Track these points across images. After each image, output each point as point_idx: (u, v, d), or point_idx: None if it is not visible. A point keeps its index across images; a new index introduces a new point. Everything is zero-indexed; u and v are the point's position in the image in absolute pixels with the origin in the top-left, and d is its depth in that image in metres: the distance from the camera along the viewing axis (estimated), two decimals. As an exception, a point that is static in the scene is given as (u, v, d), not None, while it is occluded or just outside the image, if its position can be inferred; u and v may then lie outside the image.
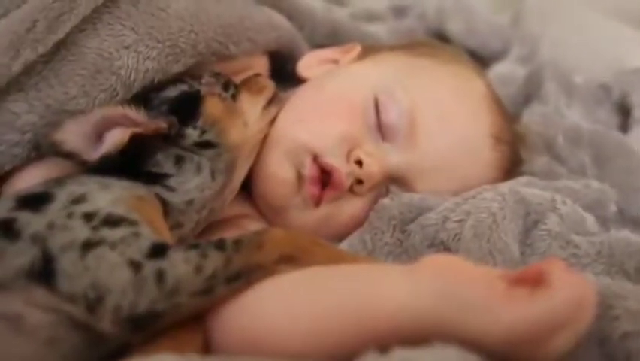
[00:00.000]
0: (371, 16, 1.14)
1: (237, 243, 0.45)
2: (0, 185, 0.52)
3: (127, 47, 0.54)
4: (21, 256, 0.43)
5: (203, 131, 0.56)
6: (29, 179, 0.51)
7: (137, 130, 0.51)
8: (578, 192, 0.61)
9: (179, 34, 0.58)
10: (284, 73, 0.75)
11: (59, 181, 0.49)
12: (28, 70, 0.50)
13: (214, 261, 0.43)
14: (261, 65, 0.71)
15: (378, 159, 0.61)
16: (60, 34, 0.51)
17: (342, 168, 0.60)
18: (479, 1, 1.29)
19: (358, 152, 0.60)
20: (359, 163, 0.60)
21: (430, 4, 1.14)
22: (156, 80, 0.57)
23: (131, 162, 0.52)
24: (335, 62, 0.72)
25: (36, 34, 0.50)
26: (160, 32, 0.56)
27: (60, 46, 0.52)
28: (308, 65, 0.71)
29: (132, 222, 0.45)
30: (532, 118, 0.80)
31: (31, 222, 0.45)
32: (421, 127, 0.62)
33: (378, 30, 1.02)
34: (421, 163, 0.62)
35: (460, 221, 0.53)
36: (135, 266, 0.42)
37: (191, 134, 0.55)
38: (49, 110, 0.51)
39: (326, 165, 0.60)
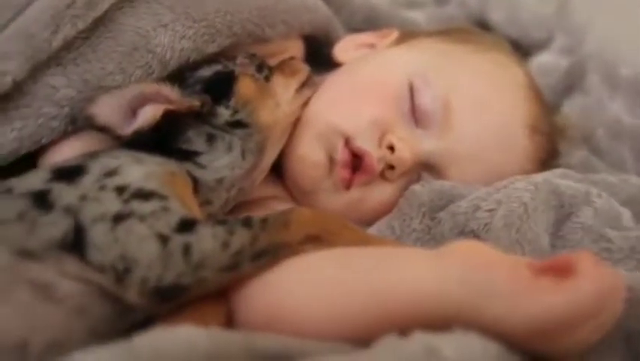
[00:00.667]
0: (411, 3, 1.13)
1: (264, 221, 0.45)
2: (38, 157, 0.54)
3: (164, 26, 0.55)
4: (54, 226, 0.44)
5: (235, 111, 0.56)
6: (66, 152, 0.53)
7: (170, 107, 0.52)
8: (615, 186, 0.60)
9: (215, 15, 0.58)
10: (319, 57, 0.76)
11: (94, 155, 0.50)
12: (68, 45, 0.51)
13: (241, 238, 0.44)
14: (296, 48, 0.70)
15: (410, 144, 0.60)
16: (99, 12, 0.52)
17: (374, 153, 0.60)
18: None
19: (390, 137, 0.60)
20: (391, 148, 0.60)
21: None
22: (191, 60, 0.58)
23: (164, 139, 0.54)
24: (372, 46, 0.72)
25: (76, 9, 0.51)
26: (196, 12, 0.57)
27: (99, 22, 0.53)
28: (344, 48, 0.71)
29: (162, 197, 0.46)
30: (572, 110, 0.78)
31: (65, 193, 0.46)
32: (456, 113, 0.61)
33: (418, 16, 1.01)
34: (454, 150, 0.61)
35: (490, 210, 0.53)
36: (163, 240, 0.43)
37: (224, 113, 0.55)
38: (86, 85, 0.52)
39: (358, 149, 0.60)
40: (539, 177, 0.56)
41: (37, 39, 0.50)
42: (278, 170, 0.65)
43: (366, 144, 0.60)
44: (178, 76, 0.57)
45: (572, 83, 0.83)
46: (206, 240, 0.43)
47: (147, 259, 0.42)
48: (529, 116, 0.64)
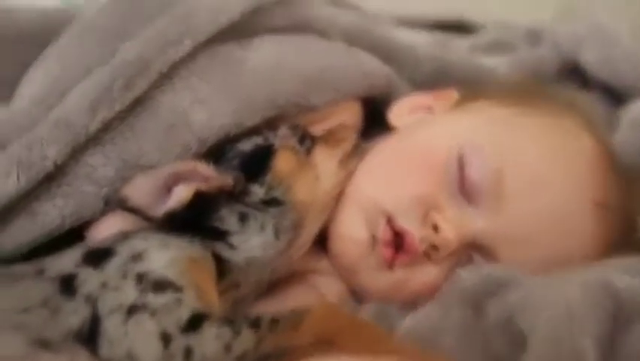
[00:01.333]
0: (494, 46, 1.06)
1: (274, 322, 0.43)
2: (81, 233, 0.56)
3: (201, 102, 0.55)
4: (74, 315, 0.45)
5: (271, 188, 0.55)
6: (105, 229, 0.54)
7: (201, 186, 0.52)
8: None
9: (255, 88, 0.57)
10: (381, 117, 0.73)
11: (126, 236, 0.51)
12: (106, 125, 0.53)
13: (246, 340, 0.42)
14: (349, 112, 0.68)
15: (456, 224, 0.56)
16: (137, 92, 0.53)
17: (416, 233, 0.56)
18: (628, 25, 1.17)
19: (435, 216, 0.56)
20: (435, 228, 0.56)
21: (564, 30, 1.05)
22: (232, 134, 0.58)
23: (197, 217, 0.53)
24: (429, 109, 0.68)
25: (114, 92, 0.52)
26: (235, 86, 0.56)
27: (137, 101, 0.53)
28: (399, 112, 0.67)
29: (178, 288, 0.45)
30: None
31: (89, 279, 0.47)
32: (509, 189, 0.56)
33: (498, 63, 0.96)
34: (507, 231, 0.56)
35: (536, 309, 0.47)
36: (166, 340, 0.42)
37: (257, 191, 0.54)
38: (125, 164, 0.53)
39: (399, 228, 0.56)
40: (595, 272, 0.49)
41: (77, 125, 0.51)
42: (323, 242, 0.63)
43: (408, 223, 0.56)
44: (218, 150, 0.57)
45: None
46: (209, 342, 0.42)
47: (149, 360, 0.42)
48: (595, 192, 0.58)
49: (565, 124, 0.61)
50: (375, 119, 0.73)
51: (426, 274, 0.57)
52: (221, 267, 0.51)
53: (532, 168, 0.57)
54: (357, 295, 0.62)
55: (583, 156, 0.59)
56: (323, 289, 0.61)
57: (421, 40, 0.88)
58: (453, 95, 0.68)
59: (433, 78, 0.82)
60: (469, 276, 0.54)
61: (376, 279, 0.58)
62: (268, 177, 0.55)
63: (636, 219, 0.60)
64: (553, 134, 0.60)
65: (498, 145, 0.58)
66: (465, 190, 0.57)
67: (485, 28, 1.13)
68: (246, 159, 0.56)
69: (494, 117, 0.61)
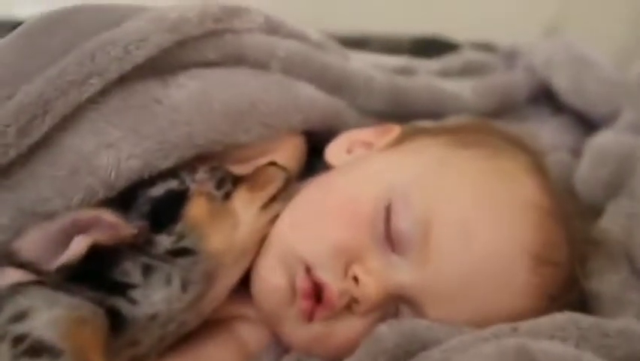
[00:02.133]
0: (470, 69, 1.01)
1: None
2: None
3: (108, 145, 0.51)
4: None
5: (182, 237, 0.51)
6: (4, 279, 0.51)
7: (99, 238, 0.48)
8: (635, 341, 0.47)
9: (170, 128, 0.53)
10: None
11: (15, 289, 0.47)
12: (3, 172, 0.49)
13: None
14: (289, 146, 0.64)
15: (378, 276, 0.51)
16: (34, 138, 0.49)
17: (334, 285, 0.51)
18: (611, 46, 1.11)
19: (356, 267, 0.52)
20: (356, 280, 0.52)
21: (540, 51, 1.00)
22: (146, 176, 0.54)
23: (99, 270, 0.50)
24: (368, 145, 0.64)
25: (7, 138, 0.48)
26: (147, 127, 0.52)
27: (37, 146, 0.50)
28: (336, 149, 0.63)
29: (57, 353, 0.42)
30: (614, 219, 0.65)
31: None
32: (436, 241, 0.51)
33: (464, 88, 0.90)
34: (431, 285, 0.51)
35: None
36: None
37: (163, 241, 0.50)
38: (20, 212, 0.49)
39: (318, 279, 0.52)
40: (514, 335, 0.45)
41: None
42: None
43: (328, 275, 0.52)
44: (130, 195, 0.54)
45: (622, 178, 0.70)
46: None
47: None
48: (532, 243, 0.52)
49: (505, 167, 0.56)
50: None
51: (349, 328, 0.52)
52: (118, 324, 0.48)
53: (461, 216, 0.52)
54: (285, 344, 0.58)
55: (521, 203, 0.54)
56: (246, 337, 0.57)
57: (379, 68, 0.83)
58: (394, 130, 0.64)
59: (389, 108, 0.78)
60: (389, 333, 0.50)
61: (297, 331, 0.53)
62: (179, 226, 0.51)
63: (577, 274, 0.56)
64: (489, 179, 0.55)
65: (430, 190, 0.54)
66: (392, 241, 0.53)
67: (462, 47, 1.08)
68: (156, 206, 0.52)
69: (430, 159, 0.57)
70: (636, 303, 0.54)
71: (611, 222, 0.64)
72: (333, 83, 0.71)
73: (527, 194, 0.55)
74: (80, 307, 0.46)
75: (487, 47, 1.09)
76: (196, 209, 0.52)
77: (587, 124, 0.93)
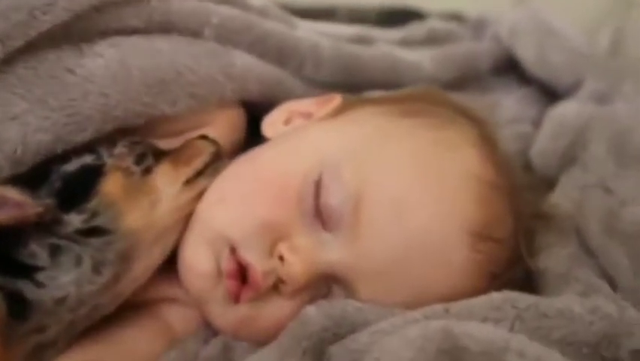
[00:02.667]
0: (434, 38, 0.96)
1: None
2: None
3: (13, 119, 0.47)
4: None
5: (94, 215, 0.47)
6: None
7: (1, 219, 0.44)
8: (575, 321, 0.44)
9: (82, 99, 0.49)
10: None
11: None
12: None
13: None
14: (223, 119, 0.59)
15: (305, 255, 0.48)
16: None
17: (259, 265, 0.48)
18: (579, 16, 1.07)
19: (282, 246, 0.48)
20: (282, 259, 0.48)
21: (506, 20, 0.95)
22: (59, 151, 0.50)
23: (3, 251, 0.46)
24: (309, 116, 0.59)
25: None
26: (56, 99, 0.48)
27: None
28: (273, 120, 0.58)
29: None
30: (566, 191, 0.61)
31: None
32: (367, 216, 0.48)
33: (424, 57, 0.86)
34: (363, 263, 0.48)
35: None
36: None
37: (72, 220, 0.46)
38: None
39: (242, 259, 0.48)
40: (439, 321, 0.41)
41: None
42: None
43: (252, 254, 0.48)
44: (43, 170, 0.50)
45: (576, 150, 0.66)
46: None
47: None
48: (472, 218, 0.49)
49: (448, 138, 0.52)
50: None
51: (277, 310, 0.49)
52: (21, 309, 0.44)
53: (395, 190, 0.48)
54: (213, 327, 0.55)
55: (461, 176, 0.50)
56: (172, 320, 0.53)
57: (331, 37, 0.79)
58: (335, 100, 0.59)
59: (340, 78, 0.73)
60: (316, 315, 0.46)
61: (224, 313, 0.50)
62: (93, 203, 0.47)
63: (522, 250, 0.52)
64: (429, 150, 0.51)
65: (362, 164, 0.50)
66: (321, 217, 0.49)
67: (430, 17, 1.04)
68: (68, 182, 0.48)
69: (367, 129, 0.53)
70: (582, 280, 0.50)
71: (563, 196, 0.61)
72: (276, 52, 0.66)
73: (469, 166, 0.50)
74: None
75: (456, 18, 1.05)
76: (111, 185, 0.48)
77: (552, 95, 0.90)
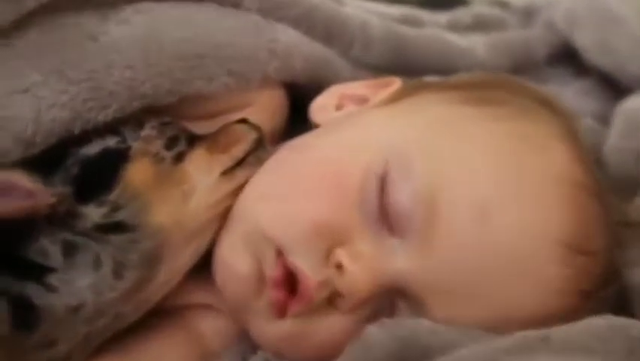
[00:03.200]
0: (482, 24, 0.88)
1: None
2: None
3: (24, 92, 0.39)
4: None
5: (117, 208, 0.39)
6: None
7: (7, 209, 0.37)
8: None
9: (106, 72, 0.41)
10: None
11: None
12: None
13: None
14: (265, 101, 0.51)
15: (369, 264, 0.39)
16: None
17: (313, 274, 0.39)
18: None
19: (340, 252, 0.39)
20: (340, 268, 0.40)
21: (562, 7, 0.87)
22: (78, 131, 0.42)
23: (8, 248, 0.38)
24: (363, 101, 0.51)
25: None
26: (75, 70, 0.40)
27: None
28: (322, 105, 0.50)
29: None
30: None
31: None
32: (444, 221, 0.39)
33: (476, 43, 0.78)
34: (438, 276, 0.39)
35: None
36: None
37: (92, 213, 0.38)
38: None
39: (292, 266, 0.40)
40: (542, 357, 0.33)
41: None
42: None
43: (304, 260, 0.40)
44: (59, 155, 0.41)
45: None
46: None
47: None
48: (566, 228, 0.40)
49: (532, 131, 0.44)
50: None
51: (330, 327, 0.41)
52: (27, 317, 0.36)
53: (477, 192, 0.40)
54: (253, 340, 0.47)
55: (550, 176, 0.41)
56: (206, 331, 0.46)
57: (380, 15, 0.71)
58: (395, 83, 0.50)
59: (390, 62, 0.65)
60: (381, 337, 0.39)
61: (265, 327, 0.42)
62: (115, 194, 0.39)
63: (617, 265, 0.44)
64: (512, 145, 0.42)
65: (435, 158, 0.41)
66: (387, 218, 0.41)
67: (474, 2, 0.96)
68: (87, 168, 0.40)
69: (437, 119, 0.44)
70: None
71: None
72: (323, 29, 0.58)
73: (560, 166, 0.42)
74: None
75: (500, 4, 0.97)
76: (137, 173, 0.40)
77: (615, 88, 0.81)
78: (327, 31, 0.59)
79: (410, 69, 0.68)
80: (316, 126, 0.51)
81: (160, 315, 0.44)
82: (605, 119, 0.74)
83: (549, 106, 0.48)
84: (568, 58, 0.86)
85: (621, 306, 0.45)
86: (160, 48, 0.43)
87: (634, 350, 0.35)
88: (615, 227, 0.46)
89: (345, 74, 0.59)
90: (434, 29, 0.77)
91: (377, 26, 0.64)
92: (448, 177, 0.40)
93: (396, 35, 0.66)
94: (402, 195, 0.40)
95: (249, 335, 0.45)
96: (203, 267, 0.44)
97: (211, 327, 0.46)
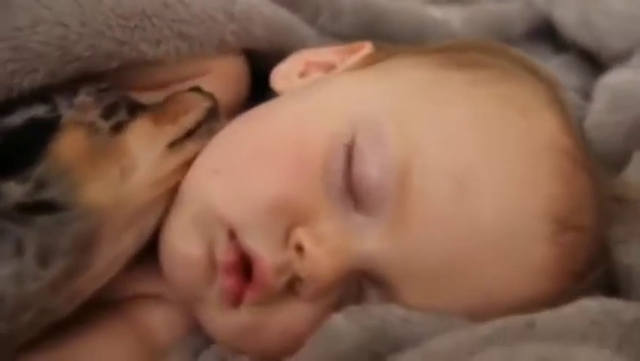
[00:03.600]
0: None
1: None
2: None
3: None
4: None
5: (42, 185, 0.33)
6: None
7: None
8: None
9: (31, 30, 0.36)
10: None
11: None
12: None
13: None
14: (221, 70, 0.45)
15: (333, 246, 0.35)
16: None
17: (269, 257, 0.35)
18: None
19: (301, 232, 0.35)
20: (300, 250, 0.35)
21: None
22: (1, 98, 0.36)
23: None
24: (330, 68, 0.46)
25: None
26: (5, 29, 0.35)
27: None
28: (285, 71, 0.45)
29: None
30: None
31: None
32: (419, 195, 0.35)
33: (452, 16, 0.74)
34: (412, 257, 0.35)
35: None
36: None
37: (12, 191, 0.33)
38: None
39: (247, 248, 0.35)
40: (528, 346, 0.27)
41: None
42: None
43: (260, 242, 0.35)
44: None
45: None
46: None
47: None
48: (551, 202, 0.36)
49: (515, 96, 0.39)
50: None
51: (290, 316, 0.36)
52: None
53: (454, 161, 0.35)
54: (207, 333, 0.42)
55: (538, 144, 0.37)
56: (152, 323, 0.40)
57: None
58: (365, 49, 0.45)
59: (360, 32, 0.60)
60: (347, 327, 0.34)
61: (218, 318, 0.37)
62: (41, 168, 0.34)
63: (606, 242, 0.39)
64: (494, 111, 0.37)
65: (409, 125, 0.36)
66: (354, 193, 0.36)
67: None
68: (9, 140, 0.34)
69: (411, 83, 0.39)
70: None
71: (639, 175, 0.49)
72: (288, -5, 0.54)
73: (547, 134, 0.38)
74: None
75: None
76: (68, 145, 0.34)
77: (594, 63, 0.78)
78: (292, -2, 0.55)
79: (382, 40, 0.64)
80: (277, 95, 0.46)
81: (100, 308, 0.39)
82: (585, 95, 0.71)
83: (534, 72, 0.44)
84: (546, 34, 0.84)
85: (608, 285, 0.42)
86: (98, 3, 0.38)
87: (627, 336, 0.31)
88: (605, 202, 0.42)
89: (312, 43, 0.55)
90: (409, 1, 0.73)
91: None
92: (422, 146, 0.36)
93: (368, 5, 0.61)
94: (371, 167, 0.35)
95: (201, 327, 0.41)
96: (148, 252, 0.39)
97: (159, 320, 0.40)
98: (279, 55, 0.50)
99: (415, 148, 0.36)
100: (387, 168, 0.35)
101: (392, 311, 0.34)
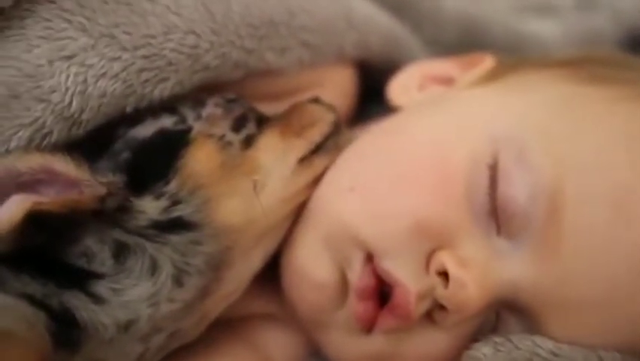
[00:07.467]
0: (545, 7, 0.79)
1: None
2: None
3: (68, 57, 0.31)
4: None
5: (176, 202, 0.31)
6: None
7: (46, 202, 0.29)
8: None
9: (164, 37, 0.33)
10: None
11: None
12: None
13: None
14: (338, 79, 0.42)
15: (479, 271, 0.31)
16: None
17: (412, 285, 0.31)
18: None
19: (445, 256, 0.31)
20: (444, 276, 0.31)
21: (629, -6, 0.78)
22: (130, 108, 0.34)
23: (48, 249, 0.31)
24: (449, 81, 0.42)
25: None
26: (129, 33, 0.32)
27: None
28: (404, 85, 0.41)
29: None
30: None
31: None
32: (571, 220, 0.31)
33: (550, 29, 0.69)
34: (561, 287, 0.31)
35: None
36: None
37: (147, 207, 0.30)
38: None
39: (385, 273, 0.31)
40: None
41: None
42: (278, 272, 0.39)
43: (400, 266, 0.31)
44: (106, 136, 0.34)
45: None
46: None
47: None
48: None
49: None
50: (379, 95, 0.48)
51: (426, 345, 0.32)
52: (72, 335, 0.28)
53: (611, 184, 0.31)
54: (327, 357, 0.39)
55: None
56: (269, 346, 0.37)
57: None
58: (487, 61, 0.41)
59: (462, 42, 0.57)
60: (494, 358, 0.30)
61: (346, 343, 0.33)
62: (174, 184, 0.31)
63: None
64: None
65: (555, 146, 0.32)
66: (498, 216, 0.32)
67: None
68: (140, 153, 0.31)
69: (551, 99, 0.35)
70: None
71: None
72: (396, 4, 0.50)
73: None
74: (5, 311, 0.27)
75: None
76: (200, 159, 0.31)
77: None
78: (398, 5, 0.51)
79: (482, 51, 0.60)
80: (395, 109, 0.42)
81: (218, 327, 0.36)
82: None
83: None
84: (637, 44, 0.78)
85: None
86: (228, 11, 0.35)
87: None
88: None
89: (418, 54, 0.51)
90: (502, 12, 0.69)
91: (448, 4, 0.55)
92: (573, 168, 0.31)
93: (471, 16, 0.57)
94: (517, 189, 0.31)
95: (320, 350, 0.37)
96: (264, 272, 0.36)
97: (276, 342, 0.37)
98: (385, 67, 0.47)
99: (566, 170, 0.31)
100: (537, 191, 0.31)
101: (540, 344, 0.30)
